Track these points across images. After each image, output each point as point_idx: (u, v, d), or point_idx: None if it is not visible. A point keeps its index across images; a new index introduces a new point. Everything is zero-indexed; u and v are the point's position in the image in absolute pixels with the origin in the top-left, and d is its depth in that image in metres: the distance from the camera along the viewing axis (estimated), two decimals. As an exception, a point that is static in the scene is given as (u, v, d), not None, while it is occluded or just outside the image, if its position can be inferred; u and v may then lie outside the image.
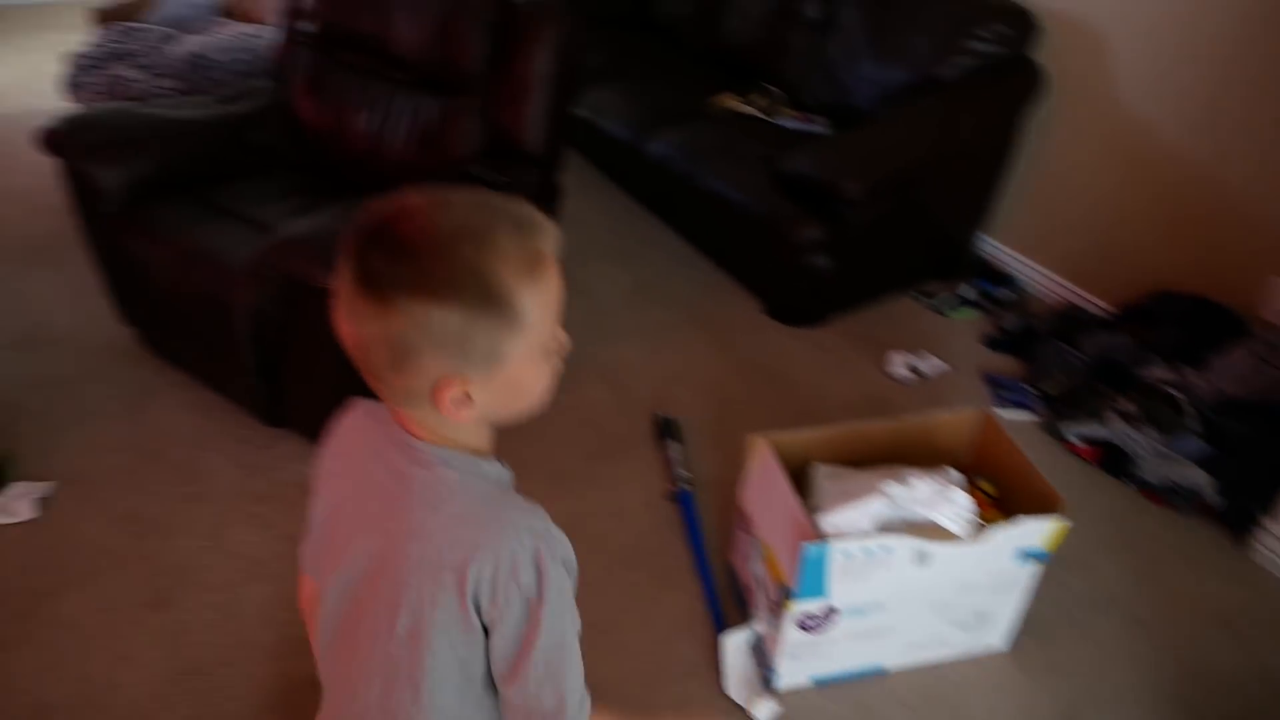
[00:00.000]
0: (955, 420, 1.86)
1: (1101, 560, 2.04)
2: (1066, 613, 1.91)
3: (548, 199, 2.29)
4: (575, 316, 2.80)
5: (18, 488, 2.00)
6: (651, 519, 2.07)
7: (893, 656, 1.76)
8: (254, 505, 2.02)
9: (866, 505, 1.57)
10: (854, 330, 2.75)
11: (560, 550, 0.86)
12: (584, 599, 1.84)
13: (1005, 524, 1.59)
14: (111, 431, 2.20)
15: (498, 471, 0.90)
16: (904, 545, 1.55)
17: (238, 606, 1.79)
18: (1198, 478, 2.18)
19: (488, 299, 0.76)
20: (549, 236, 0.80)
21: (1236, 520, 2.14)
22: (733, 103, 3.19)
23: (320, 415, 2.07)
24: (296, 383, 2.03)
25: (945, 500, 1.58)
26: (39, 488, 2.00)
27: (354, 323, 0.78)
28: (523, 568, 0.81)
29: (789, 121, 3.07)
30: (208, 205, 2.22)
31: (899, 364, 2.54)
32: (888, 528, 1.59)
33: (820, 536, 1.53)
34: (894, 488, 1.58)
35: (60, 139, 2.15)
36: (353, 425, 0.96)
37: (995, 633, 1.80)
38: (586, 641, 1.81)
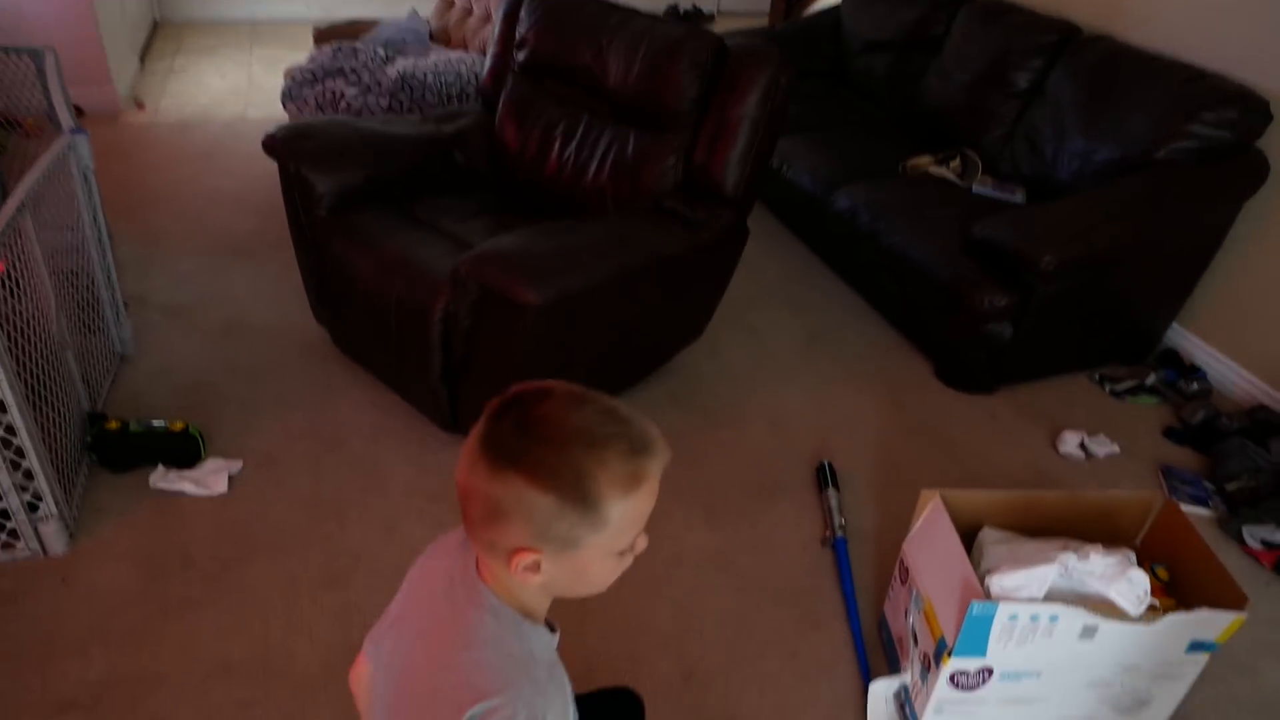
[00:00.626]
0: (1133, 500, 1.89)
1: (1268, 664, 2.01)
2: (1225, 712, 1.90)
3: (736, 240, 2.46)
4: (741, 356, 2.99)
5: (211, 464, 2.27)
6: (804, 562, 2.16)
7: (1043, 730, 1.79)
8: (425, 502, 2.23)
9: (1039, 572, 1.62)
10: (1026, 403, 2.79)
11: None
12: (731, 631, 1.97)
13: (1184, 613, 1.61)
14: (299, 420, 2.46)
15: (539, 637, 0.99)
16: (1072, 617, 1.59)
17: (405, 594, 1.98)
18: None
19: (579, 497, 0.87)
20: (658, 460, 0.91)
21: None
22: (927, 164, 3.30)
23: None
24: (475, 391, 2.23)
25: (1123, 578, 1.61)
26: (231, 465, 2.27)
27: (467, 471, 0.91)
28: None
29: (984, 189, 3.15)
30: (408, 216, 2.49)
31: (1071, 442, 2.56)
32: (1057, 597, 1.63)
33: (988, 597, 1.59)
34: (1070, 558, 1.63)
35: (279, 145, 2.45)
36: (448, 547, 1.07)
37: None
38: (729, 671, 1.92)
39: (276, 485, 2.25)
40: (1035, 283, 2.53)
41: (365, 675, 1.18)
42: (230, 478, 2.24)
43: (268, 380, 2.60)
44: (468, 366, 2.21)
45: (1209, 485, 2.46)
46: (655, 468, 0.91)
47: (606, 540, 0.91)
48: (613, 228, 2.32)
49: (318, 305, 2.65)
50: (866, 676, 1.89)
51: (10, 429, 1.83)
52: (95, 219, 2.41)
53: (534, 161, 2.65)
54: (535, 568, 0.91)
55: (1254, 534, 2.28)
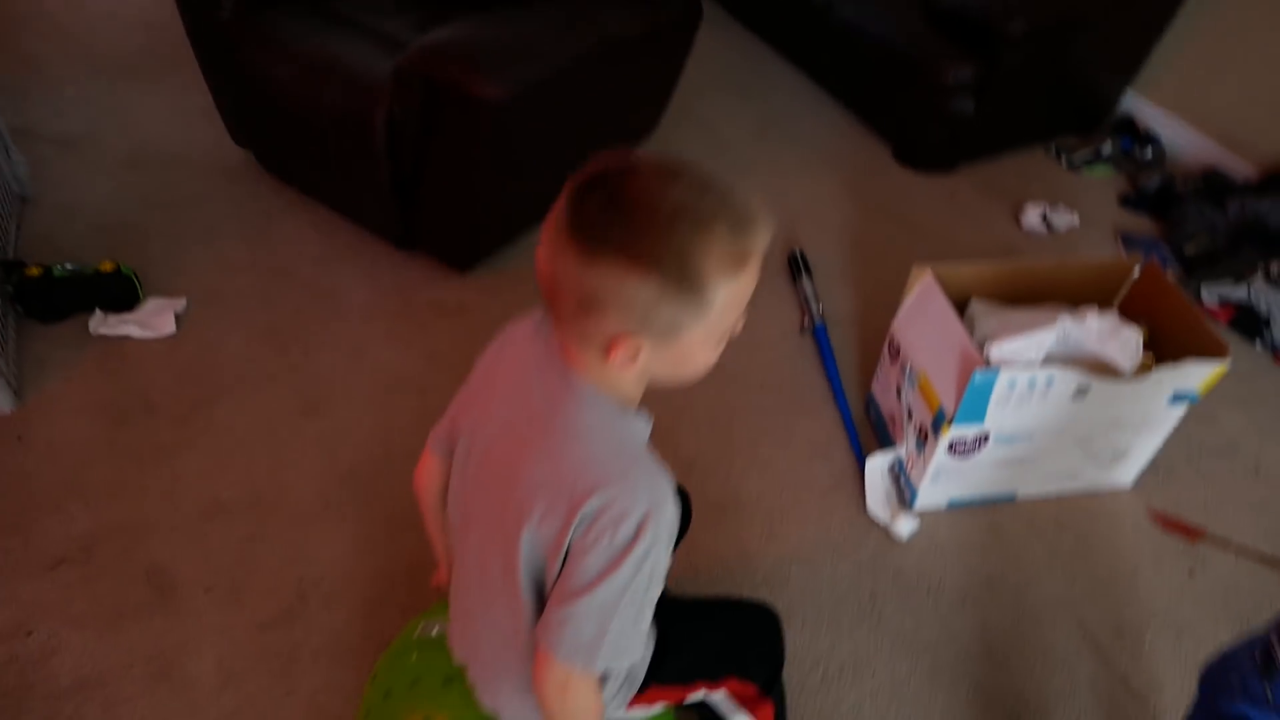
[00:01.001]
0: (1114, 265, 1.96)
1: (1227, 413, 2.19)
2: (1189, 458, 2.08)
3: (691, 18, 2.35)
4: (697, 148, 2.95)
5: (152, 304, 2.16)
6: (786, 351, 2.22)
7: (1026, 485, 1.94)
8: (390, 323, 2.18)
9: (1038, 336, 1.69)
10: (986, 179, 2.83)
11: (666, 524, 0.92)
12: (722, 422, 2.03)
13: (1170, 366, 1.72)
14: (237, 251, 2.35)
15: (640, 425, 0.97)
16: (1067, 378, 1.68)
17: (387, 417, 1.97)
18: (1336, 341, 2.30)
19: (685, 281, 0.82)
20: (764, 235, 0.86)
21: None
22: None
23: (457, 236, 2.24)
24: (431, 202, 2.15)
25: (1116, 338, 1.70)
26: (175, 304, 2.17)
27: (553, 257, 0.86)
28: (626, 523, 0.89)
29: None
30: (325, 14, 2.30)
31: (1033, 215, 2.63)
32: (1051, 360, 1.72)
33: (988, 365, 1.66)
34: (1067, 321, 1.70)
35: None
36: (524, 333, 1.03)
37: (1125, 471, 1.97)
38: (729, 458, 2.00)
39: (228, 320, 2.17)
40: (1002, 50, 2.51)
41: (433, 475, 1.17)
42: (177, 316, 2.14)
43: (193, 212, 2.45)
44: (420, 177, 2.11)
45: (1167, 249, 2.58)
46: (761, 244, 0.86)
47: (710, 325, 0.87)
48: (563, 10, 2.18)
49: (236, 125, 2.47)
50: (860, 454, 1.99)
51: (-68, 280, 1.71)
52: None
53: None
54: (634, 357, 0.88)
55: (1211, 291, 2.41)
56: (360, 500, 1.83)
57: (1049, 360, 1.72)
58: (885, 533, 1.87)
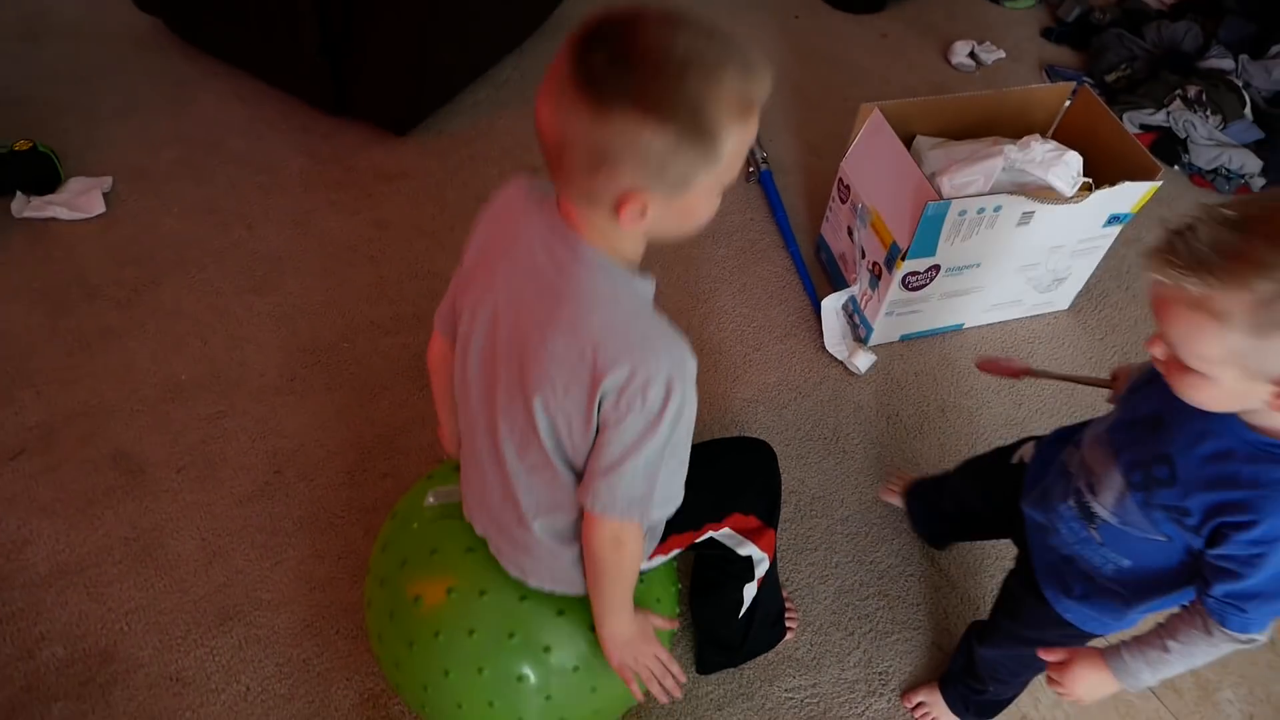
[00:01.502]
0: (1050, 92, 1.98)
1: (1150, 233, 2.26)
2: (1119, 278, 2.17)
3: None
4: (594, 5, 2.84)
5: (76, 184, 2.04)
6: (733, 199, 2.21)
7: (973, 315, 2.00)
8: (333, 193, 2.10)
9: (985, 165, 1.72)
10: (914, 18, 2.81)
11: (689, 379, 0.93)
12: (679, 273, 2.04)
13: (1108, 189, 1.76)
14: (158, 125, 2.21)
15: (646, 287, 0.96)
16: (1014, 205, 1.72)
17: (342, 289, 1.92)
18: (1248, 162, 2.38)
19: (699, 131, 0.80)
20: (766, 84, 0.83)
21: None
22: None
23: (394, 97, 2.15)
24: (366, 61, 2.04)
25: (1060, 162, 1.73)
26: (100, 182, 2.05)
27: (559, 115, 0.81)
28: (654, 388, 0.90)
29: None
30: None
31: (961, 52, 2.63)
32: (997, 190, 1.75)
33: (939, 197, 1.68)
34: (1012, 149, 1.73)
35: None
36: (517, 199, 0.99)
37: (1063, 295, 2.05)
38: (689, 309, 2.02)
39: (160, 197, 2.06)
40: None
41: (443, 355, 1.14)
42: (104, 196, 2.02)
43: (104, 85, 2.29)
44: (350, 33, 2.00)
45: (1089, 79, 2.61)
46: (764, 90, 0.84)
47: (718, 174, 0.85)
48: None
49: (139, -13, 2.29)
50: (814, 295, 2.02)
51: None
52: None
53: None
54: (643, 213, 0.85)
55: (1133, 119, 2.46)
56: (325, 372, 1.80)
57: (996, 189, 1.75)
58: (843, 369, 1.92)
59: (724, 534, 1.28)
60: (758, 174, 2.23)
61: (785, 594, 1.55)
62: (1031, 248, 1.85)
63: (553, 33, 2.50)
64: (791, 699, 1.49)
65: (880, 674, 1.53)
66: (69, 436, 1.67)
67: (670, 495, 1.05)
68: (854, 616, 1.58)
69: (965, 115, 1.95)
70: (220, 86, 2.31)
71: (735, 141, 0.83)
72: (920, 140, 1.90)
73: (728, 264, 2.08)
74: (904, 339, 1.98)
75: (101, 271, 1.92)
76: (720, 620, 1.43)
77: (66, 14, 2.47)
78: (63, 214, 1.98)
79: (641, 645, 1.15)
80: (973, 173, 1.72)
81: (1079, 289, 2.05)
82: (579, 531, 1.06)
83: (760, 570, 1.33)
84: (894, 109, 1.86)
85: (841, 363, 1.92)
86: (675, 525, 1.18)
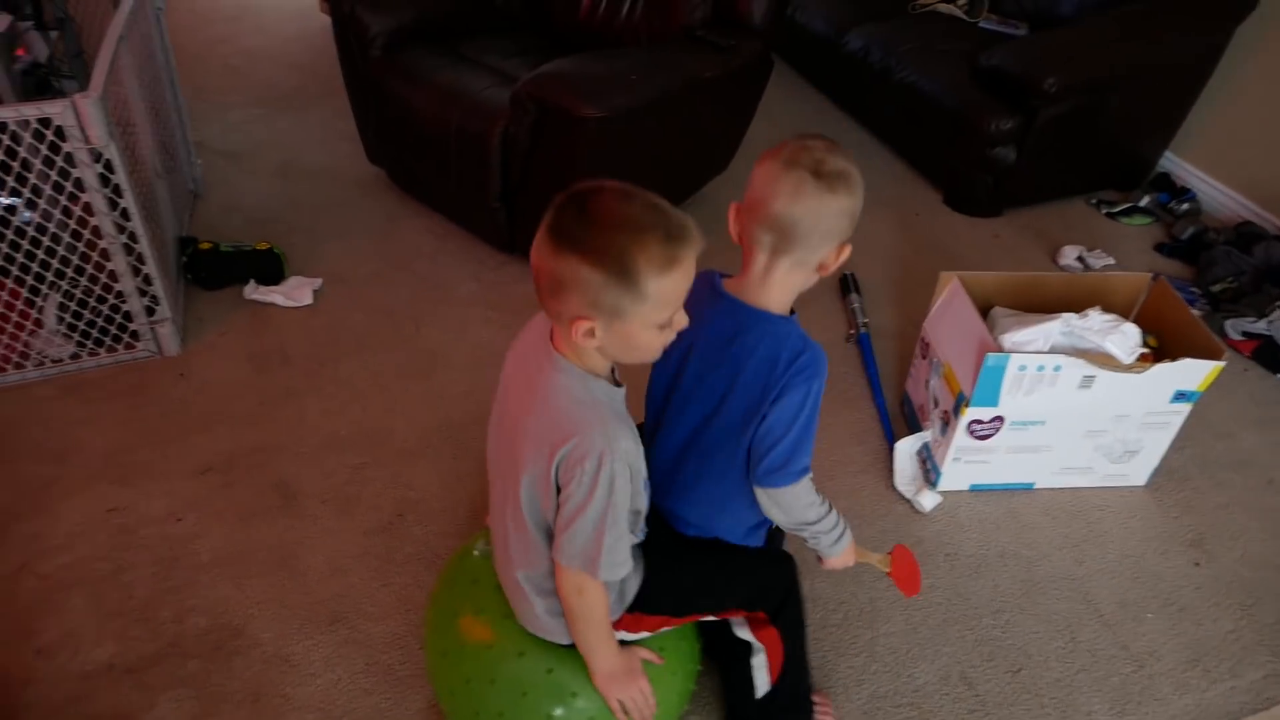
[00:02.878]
0: (1127, 280, 2.15)
1: (1244, 432, 2.32)
2: (1205, 467, 2.21)
3: (763, 69, 2.66)
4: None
5: (294, 280, 2.52)
6: (833, 355, 2.40)
7: (1043, 476, 2.10)
8: (489, 311, 2.49)
9: (1045, 327, 1.89)
10: (1028, 224, 3.04)
11: (621, 457, 1.15)
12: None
13: (1168, 363, 1.89)
14: (365, 246, 2.71)
15: (604, 389, 1.20)
16: (1073, 366, 1.87)
17: (481, 384, 2.26)
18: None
19: (622, 274, 1.05)
20: (691, 246, 1.09)
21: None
22: (935, 1, 3.51)
23: None
24: (532, 209, 2.45)
25: (1117, 330, 1.89)
26: (312, 282, 2.52)
27: (538, 255, 1.09)
28: (589, 459, 1.14)
29: (989, 23, 3.38)
30: (456, 55, 2.68)
31: (1070, 255, 2.82)
32: (1058, 352, 1.91)
33: (1000, 350, 1.86)
34: (1071, 316, 1.90)
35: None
36: (534, 325, 1.27)
37: (1138, 470, 2.12)
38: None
39: (354, 299, 2.51)
40: (1039, 105, 2.74)
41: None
42: (314, 292, 2.49)
43: (330, 214, 2.83)
44: (525, 185, 2.43)
45: (1195, 289, 2.73)
46: (688, 253, 1.09)
47: (647, 312, 1.09)
48: (653, 54, 2.52)
49: (375, 145, 2.85)
50: (891, 438, 2.18)
51: (133, 236, 2.06)
52: (168, 60, 2.59)
53: (568, 2, 2.82)
54: (591, 334, 1.10)
55: (1236, 327, 2.56)
56: (454, 444, 2.11)
57: (1054, 351, 1.91)
58: (909, 507, 2.05)
59: (733, 619, 1.52)
60: (857, 336, 2.47)
61: (820, 693, 1.66)
62: (1096, 414, 1.97)
63: (697, 204, 2.90)
64: (811, 781, 1.57)
65: (900, 775, 1.60)
66: (245, 464, 2.03)
67: (616, 561, 1.23)
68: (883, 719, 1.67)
69: (1044, 294, 2.13)
70: (419, 223, 2.80)
71: (658, 287, 1.07)
72: (996, 310, 2.10)
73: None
74: (973, 489, 2.10)
75: (299, 347, 2.34)
76: (737, 699, 1.57)
77: (312, 161, 3.10)
78: (280, 301, 2.44)
79: (626, 680, 1.35)
80: (1032, 333, 1.90)
81: (1155, 465, 2.12)
82: (551, 585, 1.29)
83: (757, 659, 1.50)
84: (973, 279, 2.08)
85: (909, 501, 2.06)
86: (645, 605, 1.39)
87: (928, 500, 2.03)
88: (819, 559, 1.50)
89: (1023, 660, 1.78)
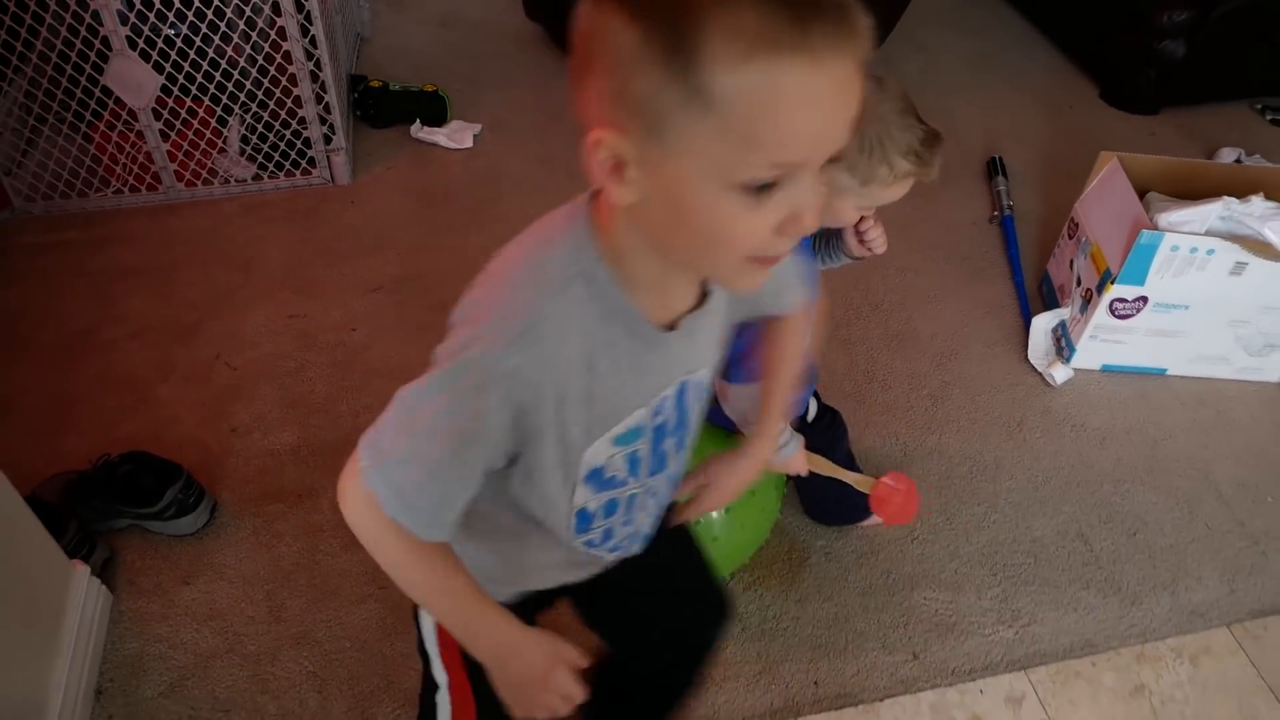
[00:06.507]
0: (1292, 175, 2.14)
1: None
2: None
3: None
4: (913, 70, 3.22)
5: (456, 123, 2.66)
6: (974, 234, 2.49)
7: (1177, 363, 2.14)
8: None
9: (1203, 209, 1.91)
10: (1186, 123, 2.99)
11: (492, 358, 0.71)
12: (910, 276, 2.33)
13: (1327, 255, 1.90)
14: (522, 98, 2.83)
15: (626, 319, 0.73)
16: (1227, 251, 1.89)
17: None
18: None
19: (671, 37, 0.56)
20: (833, 33, 0.57)
21: None
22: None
23: None
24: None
25: (1278, 219, 1.89)
26: (473, 126, 2.66)
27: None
28: (461, 333, 0.74)
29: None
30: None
31: (1228, 157, 2.77)
32: (1214, 235, 1.92)
33: (1155, 229, 1.89)
34: (1232, 200, 1.91)
35: None
36: None
37: (1275, 366, 2.14)
38: (912, 302, 2.31)
39: (512, 144, 2.65)
40: (1220, -7, 2.67)
41: None
42: (475, 136, 2.63)
43: (489, 63, 2.97)
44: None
45: (1356, 201, 2.67)
46: (824, 43, 0.56)
47: (710, 137, 0.58)
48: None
49: (533, 1, 2.95)
50: (1027, 317, 2.24)
51: (319, 64, 2.22)
52: (347, -99, 2.71)
53: None
54: (619, 169, 0.63)
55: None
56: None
57: (1211, 234, 1.93)
58: (1040, 379, 2.12)
59: None
60: (1000, 217, 2.50)
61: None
62: (1243, 302, 1.99)
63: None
64: (927, 606, 1.70)
65: (1012, 610, 1.71)
66: (412, 286, 2.20)
67: (410, 487, 0.74)
68: (1001, 563, 1.77)
69: (1203, 184, 2.12)
70: (574, 78, 2.90)
71: (735, 89, 0.56)
72: (1152, 195, 2.11)
73: (956, 278, 2.35)
74: (1105, 369, 2.15)
75: (460, 186, 2.50)
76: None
77: (473, 12, 3.22)
78: (443, 142, 2.59)
79: (540, 681, 0.88)
80: (1190, 213, 1.92)
81: (1292, 365, 2.14)
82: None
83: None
84: (1132, 161, 2.09)
85: (1040, 374, 2.13)
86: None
87: (1060, 373, 2.10)
88: None
89: (1139, 526, 1.86)
